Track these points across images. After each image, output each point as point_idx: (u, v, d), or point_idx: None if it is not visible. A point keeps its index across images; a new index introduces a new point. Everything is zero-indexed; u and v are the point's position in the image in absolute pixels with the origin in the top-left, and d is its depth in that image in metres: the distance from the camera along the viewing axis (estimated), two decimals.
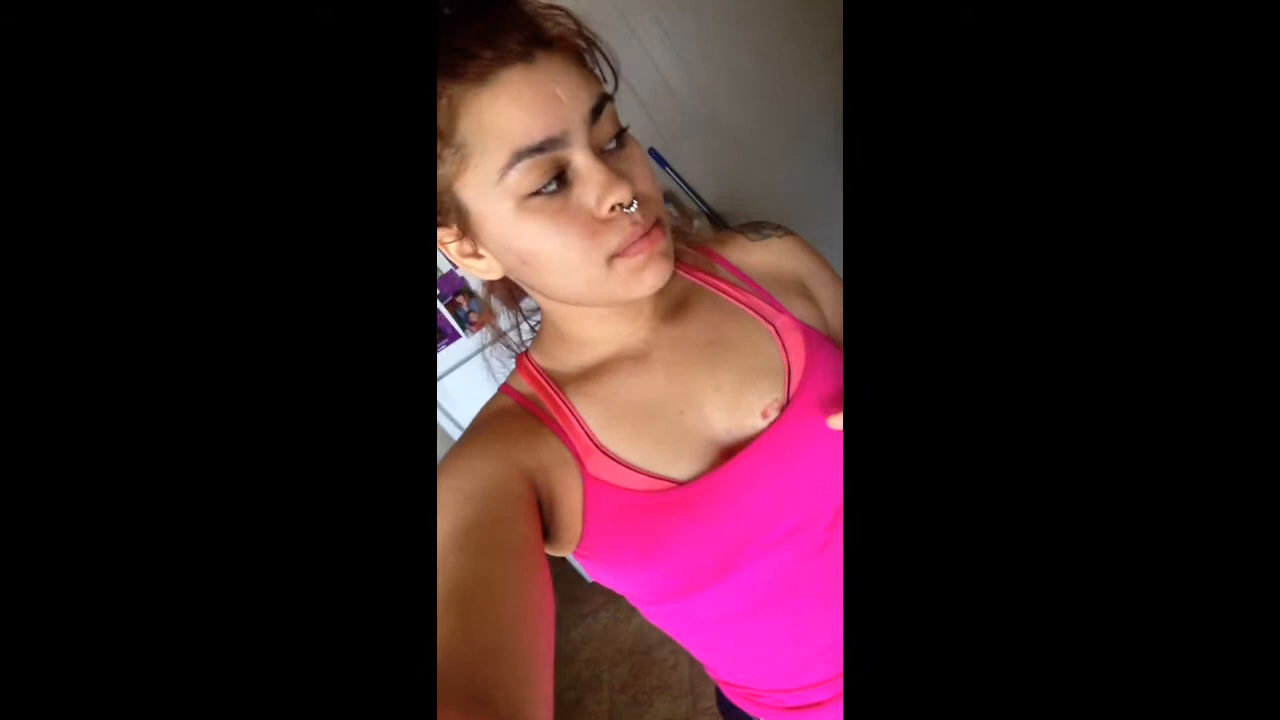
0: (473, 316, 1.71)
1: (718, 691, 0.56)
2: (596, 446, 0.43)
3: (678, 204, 1.89)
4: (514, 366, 0.49)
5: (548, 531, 0.41)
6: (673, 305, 0.47)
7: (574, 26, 0.37)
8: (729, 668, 0.51)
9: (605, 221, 0.36)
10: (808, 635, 0.45)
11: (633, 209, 0.37)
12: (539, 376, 0.46)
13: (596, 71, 0.39)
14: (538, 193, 0.35)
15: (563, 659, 1.69)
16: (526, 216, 0.36)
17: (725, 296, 0.47)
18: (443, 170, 0.36)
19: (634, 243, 0.37)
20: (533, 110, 0.34)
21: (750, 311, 0.47)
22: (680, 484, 0.42)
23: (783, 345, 0.45)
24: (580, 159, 0.36)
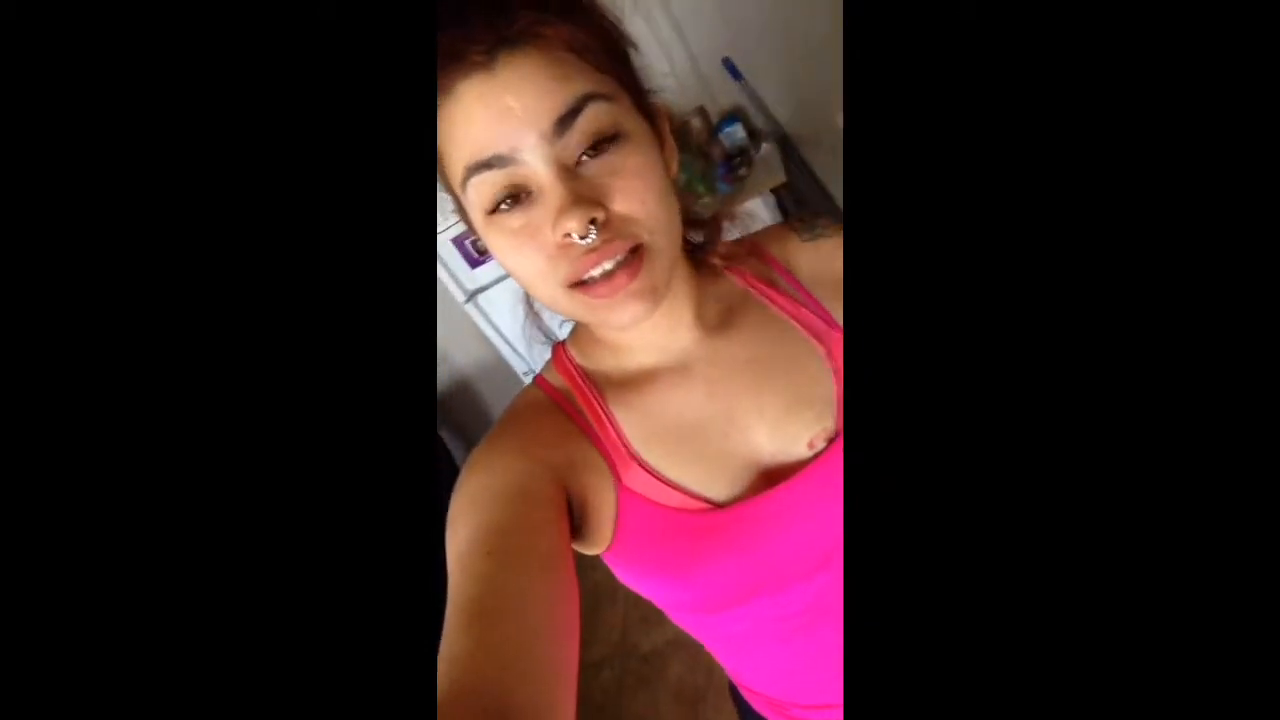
0: None
1: (732, 689, 0.56)
2: (633, 458, 0.41)
3: (746, 123, 1.76)
4: (550, 356, 0.46)
5: (577, 530, 0.40)
6: (720, 314, 0.44)
7: (562, 14, 0.33)
8: (752, 677, 0.51)
9: (560, 247, 0.33)
10: (832, 659, 0.45)
11: (588, 239, 0.32)
12: (576, 375, 0.43)
13: (604, 54, 0.34)
14: (499, 208, 0.33)
15: (583, 566, 1.79)
16: (492, 230, 0.35)
17: (777, 310, 0.44)
18: (440, 172, 0.36)
19: (596, 280, 0.34)
20: (482, 125, 0.31)
21: (801, 329, 0.43)
22: (718, 506, 0.40)
23: (835, 370, 0.42)
24: (540, 175, 0.32)
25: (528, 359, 1.81)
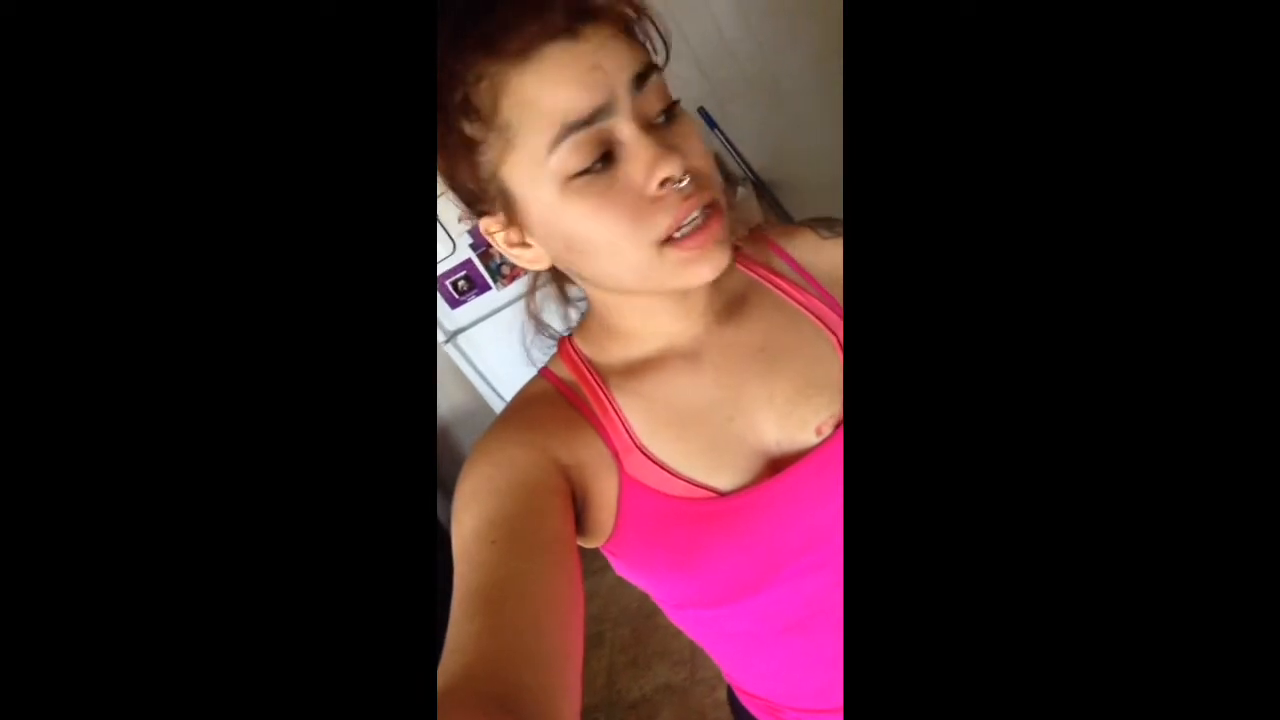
0: (504, 269, 1.69)
1: (730, 693, 0.55)
2: (637, 447, 0.41)
3: (723, 168, 1.82)
4: (555, 350, 0.47)
5: (579, 524, 0.40)
6: (729, 303, 0.44)
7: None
8: (749, 679, 0.50)
9: (654, 200, 0.34)
10: (834, 660, 0.44)
11: (683, 184, 0.34)
12: (582, 365, 0.44)
13: (646, 43, 0.37)
14: (583, 172, 0.34)
15: None
16: (571, 198, 0.34)
17: (786, 298, 0.44)
18: (488, 155, 0.35)
19: (688, 231, 0.35)
20: (578, 84, 0.32)
21: (812, 317, 0.44)
22: (722, 494, 0.40)
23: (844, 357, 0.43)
24: (626, 132, 0.34)
25: None
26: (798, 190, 1.85)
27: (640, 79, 0.33)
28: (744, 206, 1.74)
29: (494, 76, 0.32)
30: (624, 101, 0.33)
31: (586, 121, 0.32)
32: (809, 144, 1.81)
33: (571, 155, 0.33)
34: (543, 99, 0.32)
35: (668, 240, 0.35)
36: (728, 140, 1.79)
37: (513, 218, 0.37)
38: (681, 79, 1.87)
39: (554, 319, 0.47)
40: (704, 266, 0.36)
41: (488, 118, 0.33)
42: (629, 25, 0.35)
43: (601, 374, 0.43)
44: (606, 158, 0.34)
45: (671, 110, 0.35)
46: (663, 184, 0.34)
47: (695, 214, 0.35)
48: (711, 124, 1.78)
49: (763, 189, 1.83)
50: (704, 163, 0.36)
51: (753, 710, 0.52)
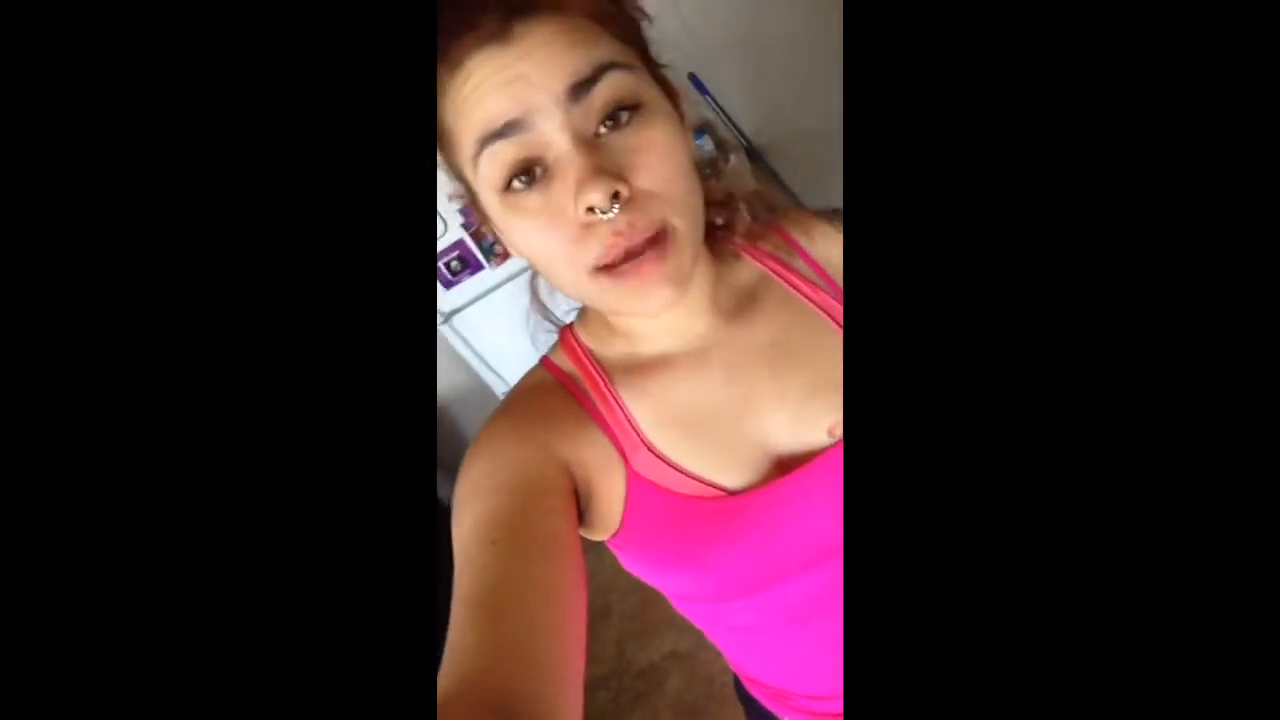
0: (497, 247, 1.68)
1: (736, 681, 0.56)
2: (645, 445, 0.40)
3: (714, 136, 1.79)
4: (556, 339, 0.46)
5: (583, 517, 0.39)
6: (739, 299, 0.43)
7: None
8: (758, 669, 0.50)
9: (585, 226, 0.32)
10: (838, 649, 0.44)
11: (611, 214, 0.31)
12: (585, 358, 0.43)
13: (617, 29, 0.33)
14: (513, 187, 0.32)
15: None
16: (510, 212, 0.33)
17: (796, 294, 0.43)
18: (452, 157, 0.35)
19: (622, 261, 0.32)
20: (496, 94, 0.30)
21: (824, 314, 0.42)
22: (731, 493, 0.40)
23: None
24: (557, 144, 0.31)
25: (509, 382, 1.79)
26: (790, 155, 1.82)
27: (582, 86, 0.30)
28: (737, 174, 1.71)
29: (440, 81, 0.32)
30: (552, 112, 0.30)
31: (499, 134, 0.31)
32: (799, 105, 1.77)
33: (490, 167, 0.32)
34: (466, 108, 0.31)
35: (604, 268, 0.33)
36: (719, 106, 1.75)
37: (483, 217, 0.37)
38: (669, 41, 1.81)
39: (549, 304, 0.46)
40: (647, 301, 0.33)
41: (440, 122, 0.33)
42: (596, 11, 0.32)
43: (605, 368, 0.42)
44: (537, 173, 0.32)
45: (636, 108, 0.32)
46: (589, 211, 0.31)
47: (633, 248, 0.32)
48: (702, 90, 1.74)
49: (756, 155, 1.80)
50: (659, 179, 0.32)
51: (760, 698, 0.52)
